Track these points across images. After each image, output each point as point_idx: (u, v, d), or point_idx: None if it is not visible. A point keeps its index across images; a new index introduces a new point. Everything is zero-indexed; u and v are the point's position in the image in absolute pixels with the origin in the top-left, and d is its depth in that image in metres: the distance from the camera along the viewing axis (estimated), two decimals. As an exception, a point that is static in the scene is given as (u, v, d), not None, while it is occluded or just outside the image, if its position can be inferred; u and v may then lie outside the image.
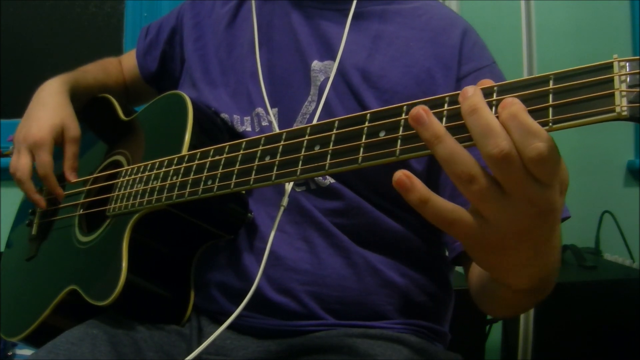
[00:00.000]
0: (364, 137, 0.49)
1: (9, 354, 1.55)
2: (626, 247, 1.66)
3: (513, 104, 0.40)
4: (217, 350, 0.71)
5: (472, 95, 0.42)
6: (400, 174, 0.42)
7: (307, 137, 0.53)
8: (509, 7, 1.63)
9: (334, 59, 0.76)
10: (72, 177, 0.85)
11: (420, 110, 0.42)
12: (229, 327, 0.66)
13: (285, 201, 0.70)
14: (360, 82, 0.75)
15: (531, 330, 1.35)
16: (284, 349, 0.70)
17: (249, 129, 0.78)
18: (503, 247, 0.44)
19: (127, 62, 1.03)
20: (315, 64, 0.77)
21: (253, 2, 0.85)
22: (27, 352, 1.55)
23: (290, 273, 0.72)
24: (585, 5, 1.84)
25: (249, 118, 0.79)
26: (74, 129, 0.86)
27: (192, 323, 0.75)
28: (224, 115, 0.80)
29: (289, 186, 0.72)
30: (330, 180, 0.73)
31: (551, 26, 1.76)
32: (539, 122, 0.40)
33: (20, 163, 0.82)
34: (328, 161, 0.51)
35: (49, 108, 0.84)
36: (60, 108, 0.85)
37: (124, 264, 0.68)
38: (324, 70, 0.77)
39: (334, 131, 0.51)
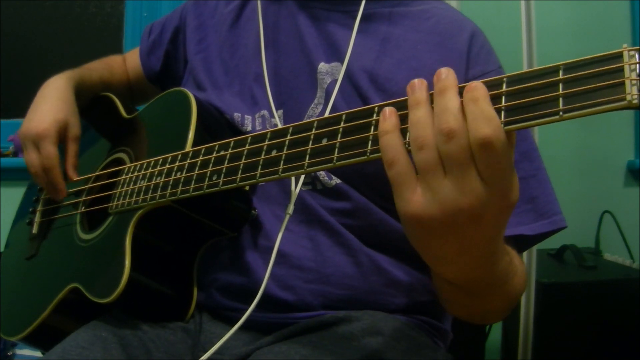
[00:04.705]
0: (372, 129, 0.49)
1: (9, 354, 1.55)
2: (626, 247, 1.66)
3: (476, 89, 0.43)
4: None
5: (444, 78, 0.45)
6: (387, 109, 0.47)
7: (314, 131, 0.53)
8: (509, 7, 1.63)
9: (340, 61, 0.76)
10: (74, 175, 0.85)
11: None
12: (228, 324, 0.66)
13: (291, 209, 0.70)
14: (367, 85, 0.74)
15: (531, 330, 1.35)
16: (274, 340, 0.69)
17: (250, 129, 0.78)
18: (430, 230, 0.46)
19: (131, 61, 1.03)
20: (322, 66, 0.77)
21: (259, 3, 0.85)
22: (27, 352, 1.55)
23: (295, 271, 0.71)
24: (585, 5, 1.84)
25: (253, 119, 0.79)
26: (76, 127, 0.86)
27: (195, 319, 0.75)
28: (228, 116, 0.79)
29: (295, 191, 0.72)
30: (336, 180, 0.73)
31: (551, 26, 1.76)
32: (550, 112, 0.41)
33: (30, 159, 0.82)
34: (336, 154, 0.50)
35: (54, 103, 0.84)
36: (65, 104, 0.85)
37: (127, 261, 0.67)
38: (331, 72, 0.77)
39: (342, 124, 0.51)
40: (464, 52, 0.76)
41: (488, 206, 0.43)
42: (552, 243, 1.54)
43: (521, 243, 0.71)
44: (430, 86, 0.47)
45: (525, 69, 1.33)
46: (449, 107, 0.43)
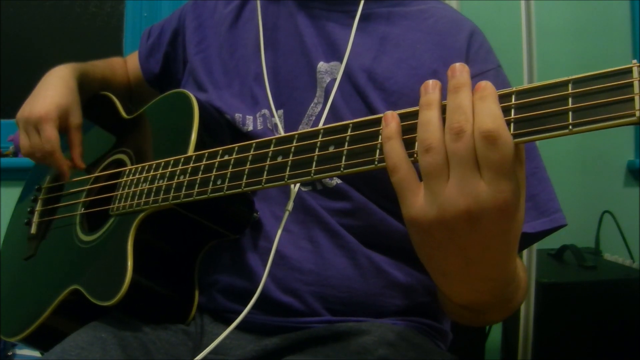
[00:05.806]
0: (380, 137, 0.49)
1: (9, 354, 1.55)
2: (626, 247, 1.66)
3: (485, 89, 0.44)
4: (216, 350, 0.70)
5: (459, 75, 0.45)
6: (389, 112, 0.48)
7: (320, 138, 0.53)
8: (509, 7, 1.63)
9: (340, 60, 0.76)
10: (81, 164, 0.85)
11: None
12: (229, 325, 0.66)
13: (290, 205, 0.70)
14: (366, 84, 0.75)
15: (531, 330, 1.35)
16: (281, 344, 0.70)
17: (251, 129, 0.78)
18: (431, 236, 0.46)
19: (131, 64, 1.03)
20: (321, 65, 0.77)
21: (258, 3, 0.85)
22: (27, 352, 1.55)
23: (295, 273, 0.71)
24: (585, 5, 1.84)
25: (254, 119, 0.79)
26: (78, 115, 0.85)
27: (196, 321, 0.75)
28: (228, 116, 0.79)
29: (295, 188, 0.72)
30: (337, 180, 0.73)
31: (551, 26, 1.76)
32: (559, 126, 0.41)
33: (34, 143, 0.82)
34: (343, 162, 0.51)
35: (56, 90, 0.84)
36: (68, 92, 0.85)
37: (129, 264, 0.67)
38: (330, 72, 0.77)
39: (349, 132, 0.51)
40: (463, 51, 0.76)
41: (486, 209, 0.43)
42: (552, 243, 1.55)
43: (522, 241, 0.71)
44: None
45: (525, 69, 1.33)
46: (463, 105, 0.43)
